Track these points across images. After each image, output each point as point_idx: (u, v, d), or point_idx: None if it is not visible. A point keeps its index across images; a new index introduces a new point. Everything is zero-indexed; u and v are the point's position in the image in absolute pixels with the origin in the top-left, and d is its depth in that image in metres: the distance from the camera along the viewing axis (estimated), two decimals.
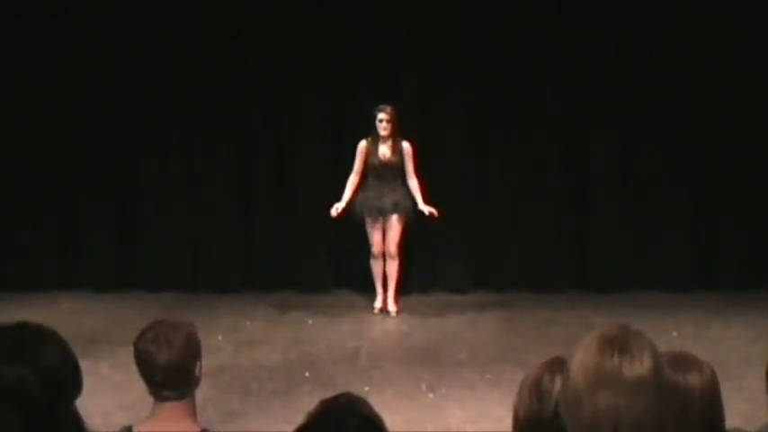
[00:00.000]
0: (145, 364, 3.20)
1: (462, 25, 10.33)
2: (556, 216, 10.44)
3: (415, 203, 9.46)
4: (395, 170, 9.46)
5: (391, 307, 9.67)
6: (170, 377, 3.18)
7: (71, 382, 2.58)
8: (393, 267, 9.61)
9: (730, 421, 2.58)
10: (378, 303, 9.73)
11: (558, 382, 2.93)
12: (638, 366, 1.99)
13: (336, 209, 9.42)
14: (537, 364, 2.86)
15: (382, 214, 9.47)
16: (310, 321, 9.41)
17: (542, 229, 10.42)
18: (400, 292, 9.82)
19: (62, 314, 9.51)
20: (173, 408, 3.20)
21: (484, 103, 10.42)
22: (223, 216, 10.56)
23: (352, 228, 9.97)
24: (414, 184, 9.46)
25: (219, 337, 8.65)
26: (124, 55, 10.41)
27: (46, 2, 10.35)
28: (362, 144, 9.51)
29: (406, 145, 9.48)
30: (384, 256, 9.61)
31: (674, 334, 8.59)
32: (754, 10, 10.06)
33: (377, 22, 10.38)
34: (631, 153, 10.40)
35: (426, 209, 9.40)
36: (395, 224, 9.50)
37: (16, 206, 10.49)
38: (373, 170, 9.49)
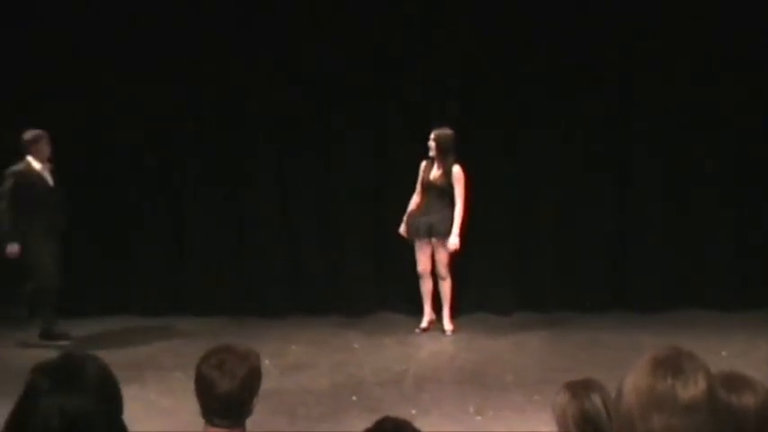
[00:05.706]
0: (204, 389, 3.22)
1: (494, 46, 10.31)
2: (600, 236, 10.37)
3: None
4: (440, 191, 9.47)
5: (447, 326, 9.71)
6: (226, 407, 3.19)
7: (117, 397, 2.63)
8: (445, 287, 9.66)
9: None
10: (423, 323, 9.75)
11: (597, 398, 2.97)
12: (692, 388, 1.98)
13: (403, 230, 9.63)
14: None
15: (417, 235, 9.52)
16: (356, 345, 9.42)
17: (586, 248, 10.37)
18: (455, 311, 9.82)
19: (111, 340, 9.60)
20: None
21: (526, 126, 10.36)
22: (268, 241, 10.60)
23: (396, 249, 9.97)
24: (456, 209, 9.43)
25: (266, 362, 8.65)
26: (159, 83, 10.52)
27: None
28: (423, 164, 9.61)
29: (456, 169, 9.46)
30: (428, 275, 9.66)
31: (724, 354, 8.49)
32: None
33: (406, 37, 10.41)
34: (675, 170, 10.32)
35: (451, 242, 9.39)
36: (440, 247, 9.51)
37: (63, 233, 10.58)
38: (423, 190, 9.57)
